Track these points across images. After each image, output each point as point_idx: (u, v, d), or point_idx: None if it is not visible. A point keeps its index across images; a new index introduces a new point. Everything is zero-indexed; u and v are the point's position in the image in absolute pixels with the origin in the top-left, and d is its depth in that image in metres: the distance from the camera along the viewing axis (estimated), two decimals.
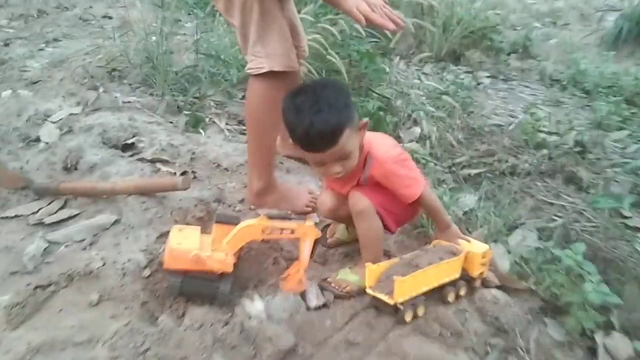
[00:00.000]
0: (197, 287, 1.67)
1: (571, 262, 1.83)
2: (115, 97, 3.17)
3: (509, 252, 2.27)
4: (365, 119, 1.85)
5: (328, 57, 2.95)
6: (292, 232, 1.75)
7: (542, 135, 3.17)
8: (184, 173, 2.37)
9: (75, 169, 2.42)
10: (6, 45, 4.23)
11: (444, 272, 1.88)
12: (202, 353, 1.54)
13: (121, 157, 2.48)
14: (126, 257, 1.85)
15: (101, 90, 3.26)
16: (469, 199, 2.68)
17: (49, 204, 2.20)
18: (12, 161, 2.50)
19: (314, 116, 1.63)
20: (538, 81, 4.57)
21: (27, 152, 2.60)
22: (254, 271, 1.92)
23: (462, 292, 1.96)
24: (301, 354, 1.64)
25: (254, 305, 1.68)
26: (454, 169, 3.04)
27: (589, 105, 3.90)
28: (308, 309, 1.79)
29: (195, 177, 2.42)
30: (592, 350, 1.82)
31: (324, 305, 1.81)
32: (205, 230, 1.83)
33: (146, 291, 1.74)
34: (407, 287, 1.75)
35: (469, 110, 3.68)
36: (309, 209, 2.24)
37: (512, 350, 1.78)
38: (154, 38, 3.44)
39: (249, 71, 1.99)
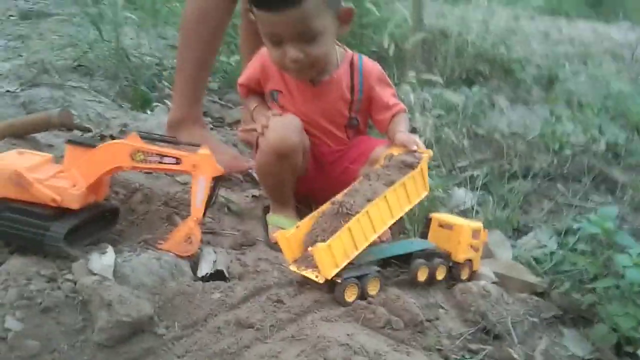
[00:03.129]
0: (15, 227, 1.11)
1: (598, 230, 1.20)
2: (67, 82, 2.79)
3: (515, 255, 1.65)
4: (351, 6, 1.45)
5: None
6: (178, 161, 1.20)
7: (566, 139, 2.58)
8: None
9: None
10: None
11: (397, 201, 1.28)
12: None
13: None
14: None
15: (56, 77, 2.90)
16: (466, 196, 2.08)
17: None
18: None
19: None
20: (566, 108, 4.01)
21: None
22: (139, 232, 1.37)
23: (440, 275, 1.35)
24: (161, 334, 1.04)
25: (101, 260, 1.11)
26: (454, 172, 2.46)
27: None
28: (196, 279, 1.21)
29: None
30: None
31: (220, 276, 1.23)
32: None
33: None
34: (338, 251, 1.16)
35: (478, 121, 3.14)
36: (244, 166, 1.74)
37: None
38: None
39: None
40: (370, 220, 1.22)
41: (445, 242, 1.43)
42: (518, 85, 4.58)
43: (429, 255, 1.34)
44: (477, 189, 2.11)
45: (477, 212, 1.94)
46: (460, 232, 1.40)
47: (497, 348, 1.16)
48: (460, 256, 1.40)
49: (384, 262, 1.34)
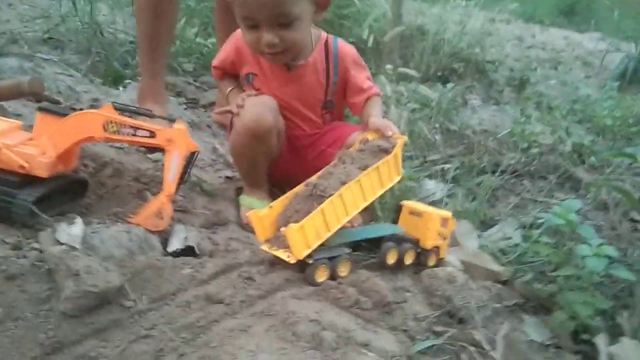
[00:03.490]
0: None
1: (560, 221, 1.24)
2: (37, 53, 2.71)
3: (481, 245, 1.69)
4: None
5: None
6: (153, 135, 1.19)
7: (534, 137, 2.65)
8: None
9: None
10: None
11: (371, 185, 1.30)
12: None
13: None
14: None
15: (26, 48, 2.80)
16: (436, 188, 2.12)
17: None
18: None
19: None
20: (536, 109, 4.11)
21: None
22: (108, 206, 1.34)
23: (408, 259, 1.37)
24: (128, 307, 1.03)
25: (69, 230, 1.09)
26: (425, 164, 2.50)
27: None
28: (166, 254, 1.20)
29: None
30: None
31: (190, 252, 1.22)
32: None
33: None
34: (310, 232, 1.17)
35: (451, 117, 3.19)
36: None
37: (466, 344, 1.16)
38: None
39: None
40: (344, 202, 1.23)
41: (414, 229, 1.45)
42: (491, 85, 4.68)
43: (398, 240, 1.37)
44: (447, 181, 2.15)
45: (446, 203, 1.97)
46: (430, 220, 1.43)
47: (461, 331, 1.19)
48: (428, 243, 1.42)
49: (355, 246, 1.36)
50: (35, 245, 1.07)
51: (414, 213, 1.48)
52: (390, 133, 1.37)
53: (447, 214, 1.48)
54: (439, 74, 4.48)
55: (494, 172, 2.37)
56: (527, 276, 1.48)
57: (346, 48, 1.58)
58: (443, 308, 1.24)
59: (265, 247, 1.23)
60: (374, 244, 1.36)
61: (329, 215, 1.20)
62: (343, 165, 1.31)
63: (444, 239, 1.47)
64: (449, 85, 3.92)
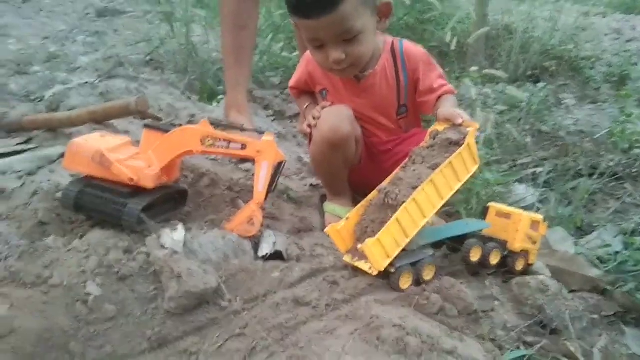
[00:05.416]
0: (97, 202, 1.22)
1: None
2: (141, 75, 2.96)
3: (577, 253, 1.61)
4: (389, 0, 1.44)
5: None
6: (244, 147, 1.27)
7: (636, 137, 2.47)
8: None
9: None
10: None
11: (446, 182, 1.24)
12: (75, 278, 1.07)
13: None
14: (50, 181, 1.47)
15: (130, 70, 3.08)
16: (527, 193, 2.04)
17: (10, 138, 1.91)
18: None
19: None
20: (636, 107, 3.81)
21: (23, 105, 2.38)
22: (203, 214, 1.45)
23: (493, 259, 1.33)
24: (224, 307, 1.11)
25: (172, 235, 1.19)
26: (515, 168, 2.41)
27: None
28: (257, 258, 1.28)
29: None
30: None
31: (279, 257, 1.28)
32: None
33: (50, 212, 1.32)
34: (388, 242, 1.17)
35: (543, 119, 3.05)
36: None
37: (560, 356, 1.11)
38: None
39: None
40: (419, 206, 1.20)
41: (502, 231, 1.41)
42: (586, 83, 4.40)
43: (483, 238, 1.34)
44: (539, 185, 2.07)
45: (538, 209, 1.90)
46: (519, 221, 1.38)
47: (554, 342, 1.15)
48: (516, 245, 1.37)
49: (437, 243, 1.35)
50: (143, 249, 1.18)
51: (501, 215, 1.43)
52: (460, 121, 1.31)
53: (538, 217, 1.42)
54: (528, 73, 4.30)
55: (591, 175, 2.24)
56: (629, 285, 1.39)
57: (413, 49, 1.56)
58: (534, 318, 1.21)
59: (347, 259, 1.25)
60: (458, 243, 1.34)
61: (405, 221, 1.19)
62: (413, 166, 1.29)
63: (534, 243, 1.41)
64: (540, 85, 3.75)
